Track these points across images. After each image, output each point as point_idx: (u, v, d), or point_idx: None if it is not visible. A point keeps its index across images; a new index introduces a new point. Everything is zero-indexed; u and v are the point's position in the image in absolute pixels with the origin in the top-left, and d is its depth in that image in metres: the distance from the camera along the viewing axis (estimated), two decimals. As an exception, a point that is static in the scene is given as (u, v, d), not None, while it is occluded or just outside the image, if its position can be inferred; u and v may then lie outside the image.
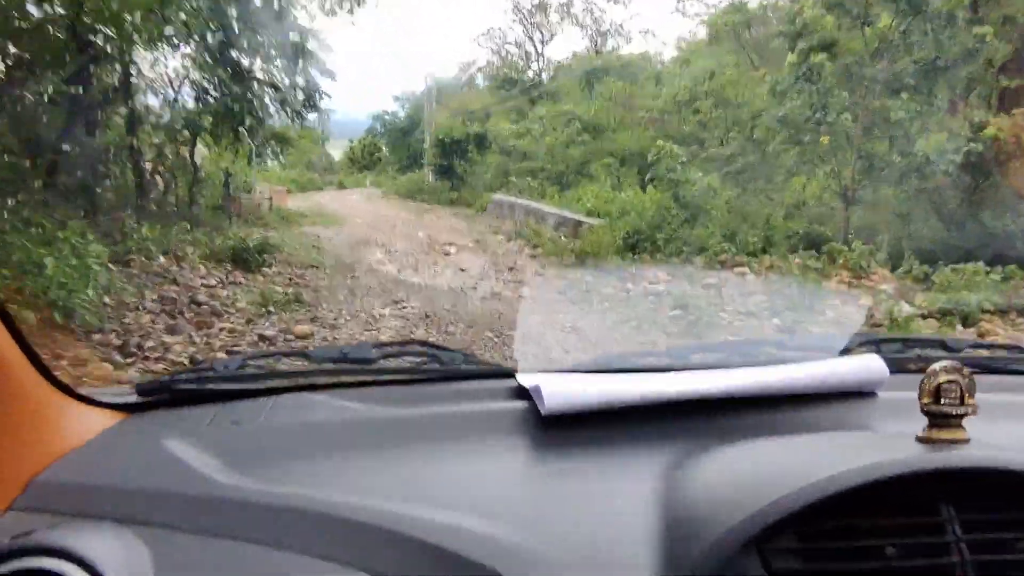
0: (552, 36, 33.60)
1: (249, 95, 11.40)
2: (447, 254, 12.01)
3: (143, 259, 8.20)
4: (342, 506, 0.87)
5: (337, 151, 40.04)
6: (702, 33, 28.39)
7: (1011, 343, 1.65)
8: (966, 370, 0.84)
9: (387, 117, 40.49)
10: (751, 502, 0.77)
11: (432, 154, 26.17)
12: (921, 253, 9.69)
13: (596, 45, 33.46)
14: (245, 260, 9.21)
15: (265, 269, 9.35)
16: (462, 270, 10.27)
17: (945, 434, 0.83)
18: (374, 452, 1.02)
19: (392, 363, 1.27)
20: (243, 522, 0.87)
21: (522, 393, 1.14)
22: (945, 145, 10.40)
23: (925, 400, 0.84)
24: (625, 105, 24.43)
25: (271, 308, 7.14)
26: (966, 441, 0.83)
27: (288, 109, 12.27)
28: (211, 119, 10.86)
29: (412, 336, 6.40)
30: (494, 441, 1.04)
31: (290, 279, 9.01)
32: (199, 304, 6.95)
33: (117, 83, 10.29)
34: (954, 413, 0.83)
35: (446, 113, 30.50)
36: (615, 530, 0.84)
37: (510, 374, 1.21)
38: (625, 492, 0.91)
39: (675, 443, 1.00)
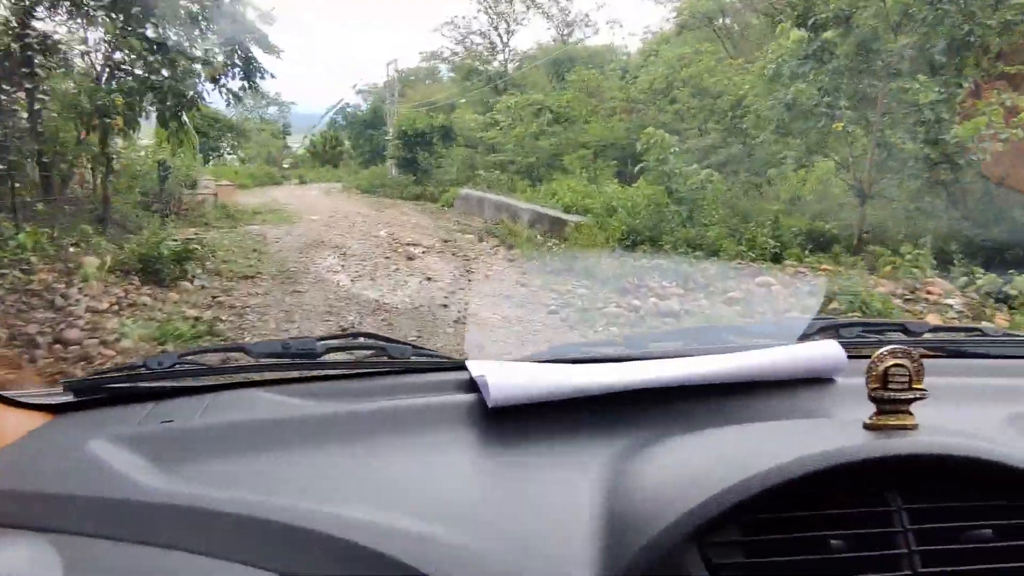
0: (518, 26, 31.59)
1: (171, 71, 9.22)
2: (411, 257, 9.98)
3: (17, 273, 6.12)
4: (273, 508, 0.80)
5: (300, 145, 37.98)
6: (669, 25, 26.57)
7: (971, 326, 1.50)
8: (915, 354, 0.79)
9: (349, 110, 38.52)
10: (692, 495, 0.72)
11: (395, 147, 24.09)
12: (968, 255, 7.95)
13: (563, 36, 31.55)
14: (157, 272, 7.13)
15: (184, 283, 7.26)
16: (429, 279, 8.26)
17: (893, 420, 0.78)
18: (314, 450, 0.93)
19: (337, 357, 1.18)
20: (168, 527, 0.80)
21: (473, 385, 1.05)
22: (983, 131, 8.66)
23: (872, 386, 0.79)
24: (596, 95, 22.64)
25: (168, 347, 5.09)
26: (914, 427, 0.78)
27: (223, 89, 10.09)
28: (123, 99, 8.67)
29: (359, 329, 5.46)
30: (440, 435, 0.96)
31: (213, 297, 6.92)
32: (66, 344, 4.89)
33: (15, 56, 8.17)
34: (902, 398, 0.78)
35: (409, 105, 28.48)
36: (556, 525, 0.78)
37: (461, 366, 1.12)
38: (570, 485, 0.85)
39: (626, 434, 0.94)
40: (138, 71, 8.87)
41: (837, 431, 0.86)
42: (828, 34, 10.21)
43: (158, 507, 0.82)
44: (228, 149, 33.87)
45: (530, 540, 0.76)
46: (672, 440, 0.90)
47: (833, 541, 0.72)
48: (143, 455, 0.91)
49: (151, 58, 8.67)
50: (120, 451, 0.92)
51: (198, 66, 9.71)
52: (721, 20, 23.24)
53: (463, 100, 27.64)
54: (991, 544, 0.74)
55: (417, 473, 0.89)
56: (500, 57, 31.80)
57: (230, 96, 10.21)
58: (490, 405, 0.98)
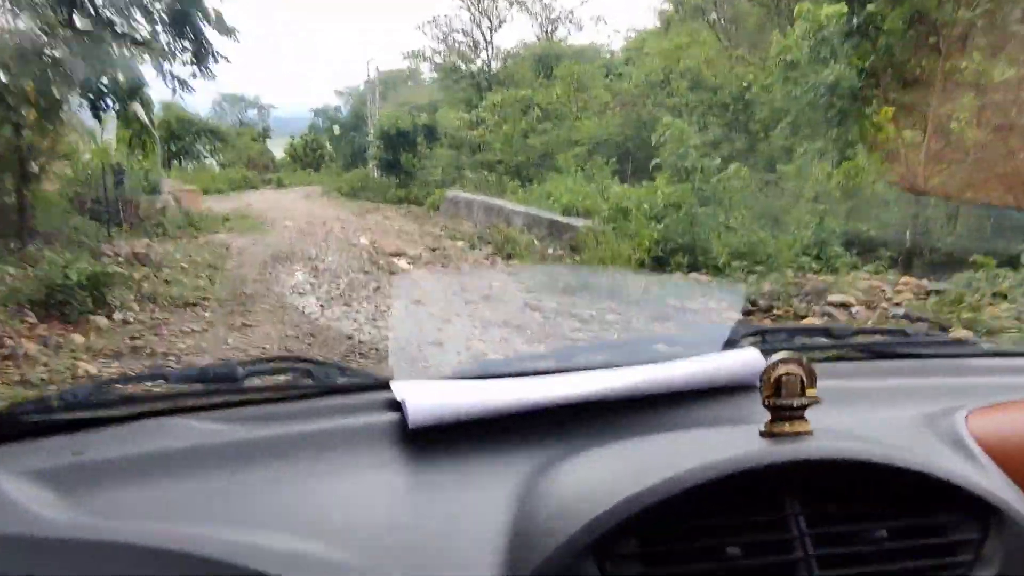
0: (501, 23, 29.71)
1: (104, 55, 7.32)
2: (395, 272, 8.15)
3: None
4: (184, 538, 0.74)
5: (280, 149, 36.01)
6: (655, 18, 24.86)
7: (896, 328, 1.37)
8: (805, 360, 0.78)
9: (330, 112, 36.50)
10: (589, 509, 0.71)
11: (377, 148, 22.15)
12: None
13: (547, 32, 29.74)
14: (63, 304, 5.26)
15: (98, 318, 5.38)
16: (418, 302, 6.43)
17: (787, 427, 0.77)
18: (231, 477, 0.86)
19: (260, 381, 1.10)
20: (73, 562, 0.74)
21: (398, 405, 0.97)
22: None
23: (766, 393, 0.77)
24: (585, 90, 20.91)
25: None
26: (808, 433, 0.76)
27: (167, 75, 8.18)
28: (34, 85, 6.76)
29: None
30: (361, 458, 0.91)
31: (132, 337, 5.04)
32: None
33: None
34: (794, 405, 0.77)
35: (391, 106, 26.57)
36: (463, 545, 0.76)
37: (386, 386, 1.03)
38: (482, 504, 0.81)
39: (546, 449, 0.90)
40: (56, 52, 6.94)
41: (735, 439, 0.83)
42: (873, 7, 8.49)
43: (63, 542, 0.74)
44: (206, 153, 32.02)
45: (436, 562, 0.73)
46: (586, 453, 0.87)
47: (730, 549, 0.71)
48: (52, 489, 0.83)
49: (66, 34, 6.74)
50: (27, 486, 0.83)
51: (137, 49, 7.81)
52: (714, 11, 21.65)
53: (446, 100, 25.80)
54: (886, 545, 0.73)
55: (334, 497, 0.84)
56: (483, 55, 29.97)
57: (176, 83, 8.29)
58: (410, 425, 0.92)
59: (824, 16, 9.26)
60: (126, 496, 0.83)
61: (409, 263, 9.07)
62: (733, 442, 0.81)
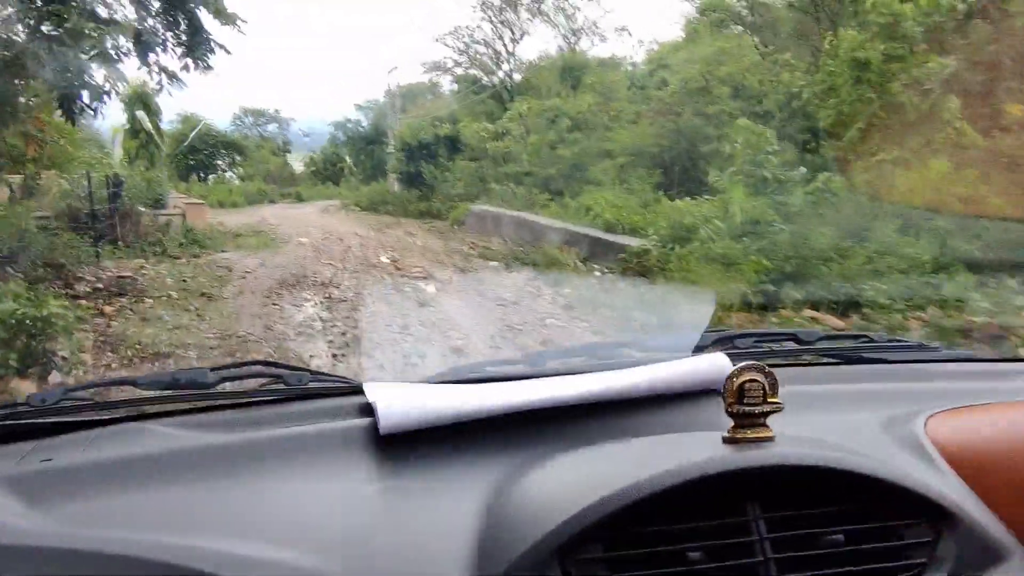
0: (523, 35, 28.20)
1: (59, 37, 5.77)
2: (423, 304, 6.52)
3: None
4: (153, 545, 0.71)
5: (300, 163, 34.66)
6: (674, 32, 23.27)
7: (860, 332, 1.40)
8: (768, 368, 0.77)
9: (349, 125, 35.12)
10: (553, 515, 0.70)
11: (397, 159, 20.61)
12: None
13: (570, 44, 28.17)
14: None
15: (23, 383, 3.79)
16: (457, 350, 4.79)
17: (750, 433, 0.76)
18: (201, 483, 0.83)
19: (231, 386, 1.05)
20: (41, 570, 0.70)
21: (370, 410, 0.93)
22: None
23: (728, 400, 0.77)
24: (615, 99, 19.33)
25: None
26: (770, 439, 0.76)
27: (153, 67, 6.63)
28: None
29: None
30: (331, 463, 0.87)
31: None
32: None
33: None
34: (757, 412, 0.76)
35: (411, 118, 25.09)
36: (433, 551, 0.74)
37: (358, 390, 1.00)
38: (449, 508, 0.79)
39: (515, 454, 0.88)
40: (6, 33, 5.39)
41: (699, 445, 0.82)
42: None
43: (32, 550, 0.71)
44: (224, 166, 30.78)
45: (407, 567, 0.72)
46: (553, 459, 0.85)
47: (691, 553, 0.70)
48: (19, 496, 0.79)
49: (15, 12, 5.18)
50: None
51: (117, 36, 6.24)
52: (749, 16, 20.05)
53: (466, 111, 24.28)
54: (843, 548, 0.73)
55: (306, 504, 0.81)
56: (505, 67, 28.48)
57: (163, 76, 6.71)
58: (380, 431, 0.88)
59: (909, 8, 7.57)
60: (96, 503, 0.79)
61: (437, 289, 7.44)
62: (696, 448, 0.79)
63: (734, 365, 0.82)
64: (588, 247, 10.47)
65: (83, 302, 5.79)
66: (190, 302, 6.31)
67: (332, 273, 8.19)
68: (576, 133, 17.23)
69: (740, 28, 20.62)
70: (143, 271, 7.94)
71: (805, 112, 13.41)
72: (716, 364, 1.00)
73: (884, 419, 0.95)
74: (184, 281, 7.60)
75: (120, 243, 10.26)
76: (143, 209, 11.42)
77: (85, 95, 6.40)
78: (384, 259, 10.11)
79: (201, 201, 14.22)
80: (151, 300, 6.27)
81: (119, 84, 6.44)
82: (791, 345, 1.22)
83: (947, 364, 1.25)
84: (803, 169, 7.82)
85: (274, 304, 6.38)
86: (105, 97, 6.45)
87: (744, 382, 0.76)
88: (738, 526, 0.72)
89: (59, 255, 7.38)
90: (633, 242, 9.75)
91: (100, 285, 6.70)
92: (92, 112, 6.41)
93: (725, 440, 0.77)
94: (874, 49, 10.40)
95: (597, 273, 8.98)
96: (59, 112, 7.02)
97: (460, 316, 5.93)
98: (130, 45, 6.26)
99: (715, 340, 1.17)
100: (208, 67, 6.76)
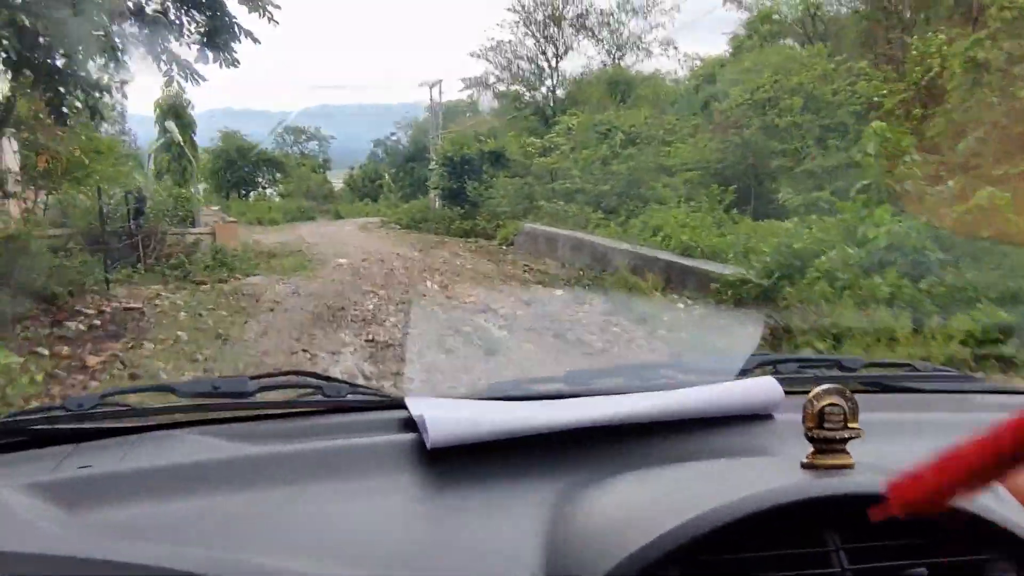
0: (567, 50, 26.85)
1: (68, 31, 4.43)
2: (489, 352, 5.03)
3: None
4: (191, 558, 0.66)
5: (340, 180, 33.74)
6: (718, 47, 21.73)
7: (905, 361, 1.31)
8: (849, 392, 0.69)
9: (389, 142, 34.09)
10: (633, 538, 0.65)
11: (440, 175, 19.24)
12: None
13: (614, 59, 26.71)
14: None
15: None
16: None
17: (829, 459, 0.69)
18: (240, 494, 0.77)
19: (270, 396, 1.01)
20: None
21: (412, 424, 0.89)
22: None
23: (808, 425, 0.69)
24: (670, 112, 17.84)
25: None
26: (851, 466, 0.69)
27: (163, 59, 5.25)
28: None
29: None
30: (375, 478, 0.82)
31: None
32: None
33: None
34: (837, 438, 0.68)
35: (452, 134, 23.86)
36: (493, 571, 0.69)
37: (400, 404, 0.95)
38: (509, 528, 0.74)
39: (566, 474, 0.83)
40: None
41: (775, 470, 0.77)
42: None
43: (69, 560, 0.66)
44: (265, 183, 29.99)
45: None
46: (612, 481, 0.79)
47: None
48: (56, 503, 0.74)
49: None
50: (31, 499, 0.75)
51: (122, 25, 4.88)
52: (811, 24, 18.45)
53: (509, 127, 22.94)
54: None
55: (349, 518, 0.76)
56: (548, 82, 27.14)
57: (173, 67, 5.33)
58: (429, 446, 0.82)
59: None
60: (133, 512, 0.75)
61: (502, 327, 5.95)
62: (775, 473, 0.75)
63: (784, 390, 0.86)
64: (661, 273, 8.92)
65: (65, 349, 4.43)
66: (200, 348, 4.90)
67: (375, 305, 6.74)
68: (630, 148, 15.73)
69: (791, 40, 19.14)
70: (157, 301, 6.59)
71: (888, 123, 11.77)
72: (767, 388, 0.96)
73: (935, 448, 0.73)
74: (200, 315, 6.22)
75: (140, 265, 8.99)
76: (170, 228, 10.16)
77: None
78: (432, 285, 8.67)
79: (233, 219, 12.94)
80: (152, 345, 4.88)
81: (117, 78, 5.09)
82: (835, 372, 1.16)
83: (991, 396, 1.20)
84: (951, 184, 6.18)
85: (304, 350, 4.94)
86: (107, 95, 5.09)
87: (825, 406, 0.68)
88: (817, 556, 0.65)
89: (55, 282, 6.04)
90: (714, 267, 8.19)
91: (98, 321, 5.35)
92: (90, 112, 5.06)
93: (804, 466, 0.69)
94: (996, 48, 8.78)
95: (681, 305, 7.41)
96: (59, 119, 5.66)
97: (541, 372, 4.44)
98: (135, 29, 4.93)
99: (758, 364, 1.13)
100: (233, 60, 5.39)
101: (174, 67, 5.38)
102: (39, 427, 0.92)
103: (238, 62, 5.43)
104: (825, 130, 13.19)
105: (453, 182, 18.57)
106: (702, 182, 13.21)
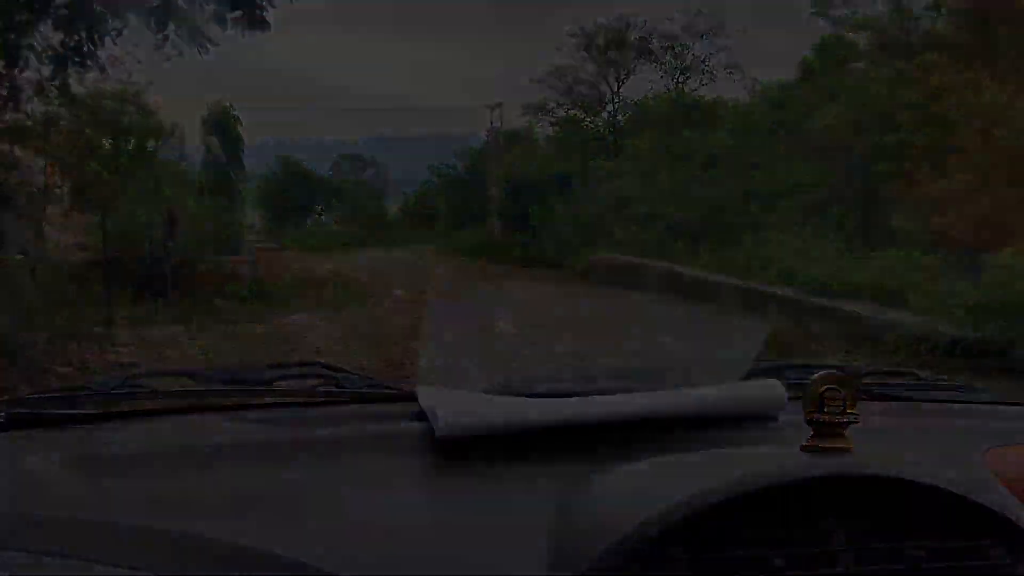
0: (628, 74, 25.13)
1: None
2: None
3: None
4: (211, 535, 0.67)
5: (395, 206, 32.68)
6: (781, 72, 19.55)
7: (906, 370, 1.35)
8: (848, 379, 0.71)
9: (445, 169, 32.91)
10: (639, 512, 0.64)
11: (501, 201, 17.60)
12: None
13: (677, 83, 24.78)
14: None
15: None
16: None
17: (828, 443, 0.70)
18: (255, 476, 0.79)
19: (287, 385, 1.03)
20: (109, 545, 0.67)
21: (422, 416, 0.88)
22: None
23: (809, 409, 0.70)
24: (739, 135, 15.87)
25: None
26: (849, 449, 0.70)
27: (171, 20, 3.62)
28: None
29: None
30: (385, 465, 0.82)
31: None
32: None
33: None
34: (837, 421, 0.69)
35: (512, 159, 22.35)
36: (505, 551, 0.68)
37: (412, 396, 0.94)
38: (514, 515, 0.74)
39: (572, 467, 0.81)
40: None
41: (776, 456, 0.77)
42: None
43: (95, 526, 0.68)
44: (319, 210, 29.06)
45: (479, 571, 0.66)
46: (618, 468, 0.77)
47: (776, 560, 0.65)
48: (84, 476, 0.76)
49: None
50: (60, 471, 0.77)
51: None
52: (904, 36, 16.34)
53: (570, 152, 21.28)
54: (924, 566, 0.67)
55: (360, 502, 0.76)
56: (609, 107, 25.41)
57: (184, 32, 3.67)
58: (438, 435, 0.82)
59: None
60: (153, 485, 0.76)
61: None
62: (775, 456, 0.76)
63: (789, 396, 0.86)
64: (791, 314, 6.95)
65: None
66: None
67: (442, 363, 4.95)
68: (713, 170, 13.82)
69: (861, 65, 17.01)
70: (168, 351, 4.93)
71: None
72: (771, 390, 0.95)
73: (939, 454, 0.86)
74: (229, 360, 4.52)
75: (167, 297, 7.43)
76: (205, 254, 8.62)
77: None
78: (507, 327, 6.86)
79: (276, 246, 11.40)
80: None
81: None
82: None
83: (993, 406, 1.19)
84: None
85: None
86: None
87: (824, 390, 0.69)
88: (816, 536, 0.65)
89: (23, 338, 4.40)
90: (863, 308, 6.20)
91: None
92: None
93: (803, 448, 0.71)
94: None
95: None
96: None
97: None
98: None
99: (763, 370, 1.10)
100: (263, 22, 3.74)
101: (171, 27, 3.74)
102: (63, 406, 0.93)
103: (268, 24, 3.81)
104: (939, 151, 11.20)
105: (514, 209, 16.91)
106: (806, 208, 11.22)
